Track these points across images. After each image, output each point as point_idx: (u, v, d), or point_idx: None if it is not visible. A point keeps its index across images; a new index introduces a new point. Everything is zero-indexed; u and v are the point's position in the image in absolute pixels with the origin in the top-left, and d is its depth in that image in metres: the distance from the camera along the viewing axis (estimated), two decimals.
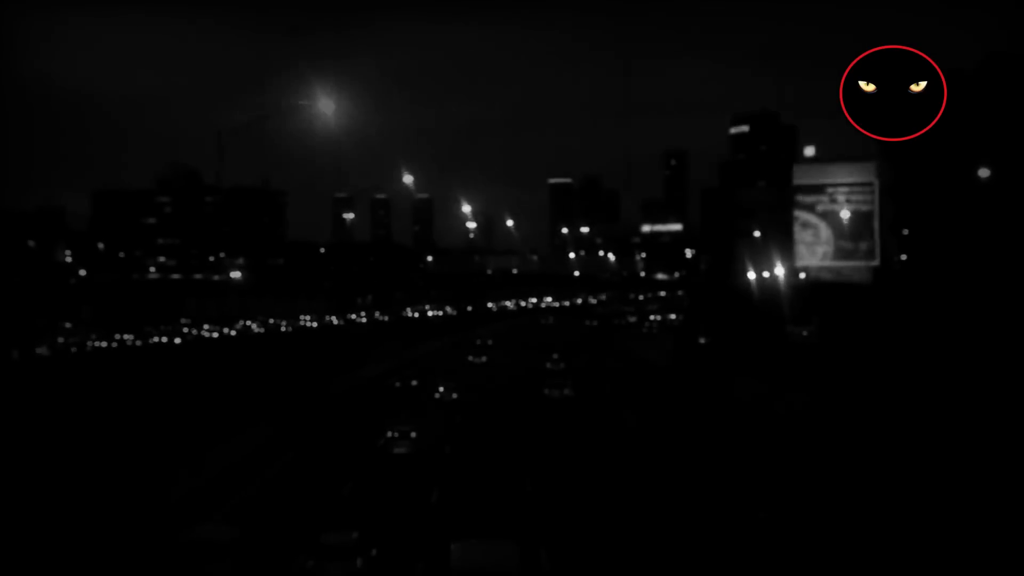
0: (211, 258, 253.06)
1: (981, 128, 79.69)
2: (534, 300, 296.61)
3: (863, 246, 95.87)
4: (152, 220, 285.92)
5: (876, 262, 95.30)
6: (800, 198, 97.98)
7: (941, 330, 70.42)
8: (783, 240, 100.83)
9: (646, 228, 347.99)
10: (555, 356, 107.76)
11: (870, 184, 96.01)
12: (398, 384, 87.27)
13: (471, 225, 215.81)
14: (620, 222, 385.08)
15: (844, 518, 38.33)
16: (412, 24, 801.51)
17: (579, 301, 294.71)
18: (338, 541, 31.38)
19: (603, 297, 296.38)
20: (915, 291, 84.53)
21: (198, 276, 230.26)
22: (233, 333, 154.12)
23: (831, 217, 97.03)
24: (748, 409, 67.79)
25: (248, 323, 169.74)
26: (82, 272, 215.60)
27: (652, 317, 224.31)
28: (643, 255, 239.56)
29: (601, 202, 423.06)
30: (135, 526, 36.79)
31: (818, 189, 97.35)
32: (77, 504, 37.45)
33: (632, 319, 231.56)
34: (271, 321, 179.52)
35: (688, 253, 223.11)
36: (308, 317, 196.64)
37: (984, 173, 76.62)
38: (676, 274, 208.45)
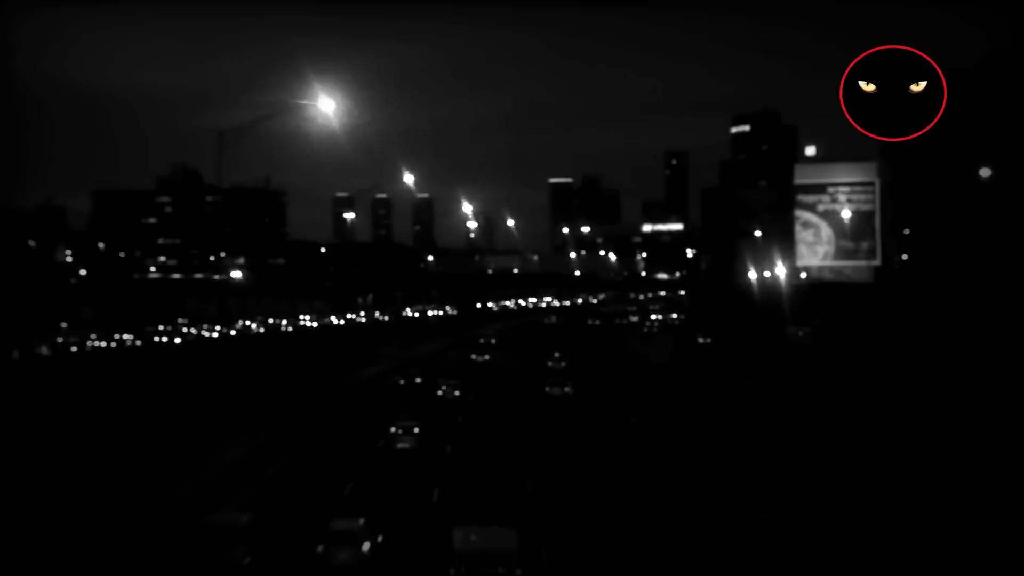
0: (212, 258, 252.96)
1: (982, 128, 79.56)
2: (534, 300, 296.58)
3: (864, 246, 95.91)
4: (153, 220, 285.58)
5: (877, 262, 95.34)
6: (801, 198, 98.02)
7: (942, 330, 70.36)
8: (784, 240, 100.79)
9: (647, 228, 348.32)
10: (556, 355, 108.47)
11: (871, 184, 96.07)
12: (402, 381, 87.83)
13: (472, 225, 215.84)
14: (621, 222, 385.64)
15: (844, 518, 38.27)
16: (412, 24, 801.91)
17: (579, 301, 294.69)
18: (346, 527, 32.75)
19: (603, 297, 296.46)
20: (916, 291, 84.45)
21: (199, 276, 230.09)
22: (232, 333, 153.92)
23: (832, 217, 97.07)
24: (748, 409, 67.73)
25: (247, 323, 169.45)
26: (83, 272, 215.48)
27: (653, 317, 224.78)
28: (644, 255, 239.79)
29: (602, 202, 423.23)
30: (146, 517, 37.31)
31: (819, 189, 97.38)
32: (91, 498, 37.72)
33: (634, 319, 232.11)
34: (271, 321, 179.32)
35: (689, 253, 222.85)
36: (308, 317, 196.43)
37: (985, 173, 76.53)
38: (677, 274, 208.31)
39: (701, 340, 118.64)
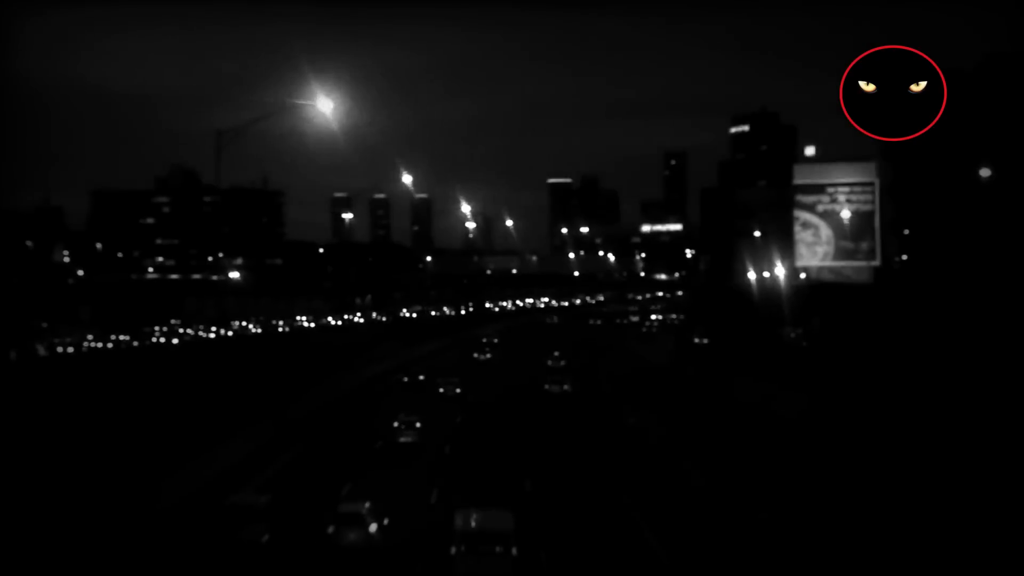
0: (210, 258, 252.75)
1: (981, 128, 79.36)
2: (532, 301, 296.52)
3: (864, 246, 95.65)
4: (151, 220, 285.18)
5: (877, 262, 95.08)
6: (800, 198, 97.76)
7: (942, 330, 70.20)
8: (783, 240, 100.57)
9: (646, 228, 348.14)
10: (556, 354, 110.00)
11: (870, 184, 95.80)
12: (405, 379, 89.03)
13: (470, 225, 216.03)
14: (620, 222, 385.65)
15: (844, 518, 38.18)
16: (413, 24, 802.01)
17: (578, 301, 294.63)
18: (353, 510, 35.05)
19: (602, 297, 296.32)
20: (916, 291, 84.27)
21: (197, 276, 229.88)
22: (230, 334, 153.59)
23: (831, 217, 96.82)
24: (747, 409, 67.75)
25: (244, 323, 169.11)
26: (80, 272, 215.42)
27: (653, 317, 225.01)
28: (643, 255, 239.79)
29: (601, 202, 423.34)
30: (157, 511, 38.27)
31: (818, 189, 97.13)
32: (95, 494, 37.85)
33: (635, 319, 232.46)
34: (271, 322, 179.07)
35: (688, 253, 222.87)
36: (306, 317, 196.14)
37: (985, 173, 76.39)
38: (676, 274, 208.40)
39: (700, 340, 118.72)
